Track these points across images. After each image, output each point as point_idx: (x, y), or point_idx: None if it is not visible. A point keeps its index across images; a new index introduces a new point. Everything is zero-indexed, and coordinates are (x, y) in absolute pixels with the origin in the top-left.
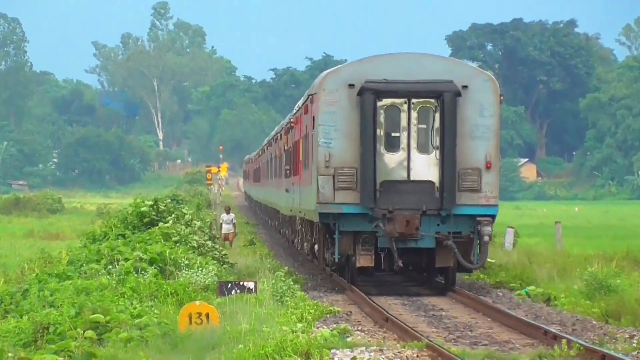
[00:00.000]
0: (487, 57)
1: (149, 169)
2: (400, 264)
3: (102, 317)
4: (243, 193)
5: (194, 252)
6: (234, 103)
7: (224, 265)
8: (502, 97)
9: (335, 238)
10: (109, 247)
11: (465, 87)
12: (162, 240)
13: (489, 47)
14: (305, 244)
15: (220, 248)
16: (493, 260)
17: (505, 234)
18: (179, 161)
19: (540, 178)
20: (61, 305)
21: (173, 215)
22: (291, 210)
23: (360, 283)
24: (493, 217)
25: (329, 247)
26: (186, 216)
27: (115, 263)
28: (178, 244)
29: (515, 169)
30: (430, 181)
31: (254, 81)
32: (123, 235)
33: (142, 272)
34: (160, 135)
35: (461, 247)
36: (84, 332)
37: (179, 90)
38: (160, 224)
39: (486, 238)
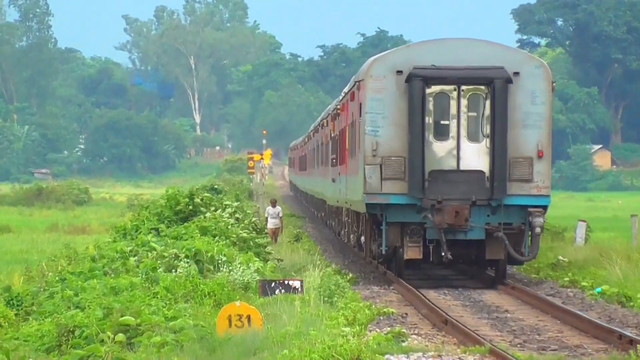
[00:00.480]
0: (556, 33)
1: (185, 155)
2: (450, 257)
3: (133, 319)
4: (288, 182)
5: (233, 247)
6: (278, 83)
7: (268, 262)
8: (554, 84)
9: (382, 229)
10: (139, 242)
11: (516, 73)
12: (198, 235)
13: (559, 22)
14: (351, 235)
15: (265, 243)
16: (564, 258)
17: (576, 228)
18: (217, 147)
19: (615, 166)
20: (88, 306)
21: (212, 208)
22: (337, 200)
23: (407, 276)
24: (545, 207)
25: (375, 239)
26: (228, 208)
27: (147, 259)
28: (217, 239)
29: (588, 157)
30: (480, 171)
31: (300, 59)
32: (157, 230)
33: (176, 270)
34: (197, 118)
35: (512, 239)
36: (113, 335)
37: (218, 69)
38: (197, 218)
39: (538, 229)
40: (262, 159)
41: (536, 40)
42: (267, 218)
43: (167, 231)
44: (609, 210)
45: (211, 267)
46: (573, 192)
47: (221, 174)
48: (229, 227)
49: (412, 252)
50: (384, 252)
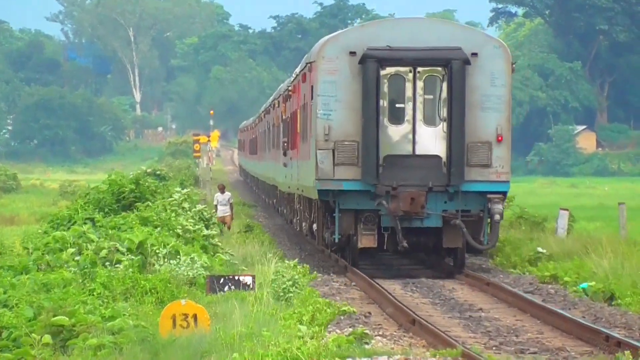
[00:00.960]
0: (535, 2)
1: (124, 138)
2: (405, 245)
3: (67, 319)
4: (238, 167)
5: (178, 239)
6: (227, 58)
7: (217, 256)
8: (514, 65)
9: (335, 217)
10: (74, 233)
11: (474, 54)
12: (139, 225)
13: None
14: (304, 223)
15: (213, 234)
16: (543, 250)
17: (557, 218)
18: (160, 129)
19: (600, 149)
20: (16, 304)
21: (159, 196)
22: (289, 186)
23: (362, 265)
24: (504, 194)
25: (328, 227)
26: (175, 195)
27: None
28: (158, 230)
29: (571, 139)
30: (437, 155)
31: (251, 31)
32: (92, 220)
33: (117, 264)
34: (138, 97)
35: (470, 227)
36: (41, 337)
37: (160, 42)
38: (144, 205)
39: (497, 217)
40: (209, 141)
41: (512, 9)
42: (216, 206)
43: (103, 221)
44: (595, 198)
45: (154, 262)
46: (555, 177)
47: (164, 158)
48: (172, 217)
49: (366, 240)
50: (336, 241)
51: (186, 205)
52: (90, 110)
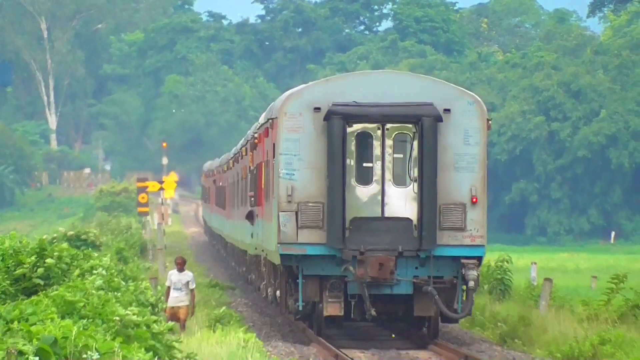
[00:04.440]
0: None
1: (32, 183)
2: (373, 313)
3: None
4: (203, 226)
5: (115, 337)
6: (189, 63)
7: None
8: (489, 122)
9: (298, 283)
10: None
11: (447, 110)
12: (56, 317)
13: None
14: (269, 289)
15: (165, 329)
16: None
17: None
18: (87, 170)
19: None
20: None
21: (77, 271)
22: (256, 248)
23: (329, 334)
24: (479, 259)
25: (292, 294)
26: (99, 270)
27: None
28: (85, 322)
29: None
30: (408, 218)
31: (227, 22)
32: None
33: None
34: (53, 122)
35: (443, 294)
36: None
37: (86, 39)
38: (51, 288)
39: (472, 283)
40: (161, 189)
41: None
42: (168, 288)
43: (2, 309)
44: None
45: None
46: None
47: (93, 214)
48: (104, 303)
49: (332, 308)
50: (300, 309)
51: (119, 285)
52: None
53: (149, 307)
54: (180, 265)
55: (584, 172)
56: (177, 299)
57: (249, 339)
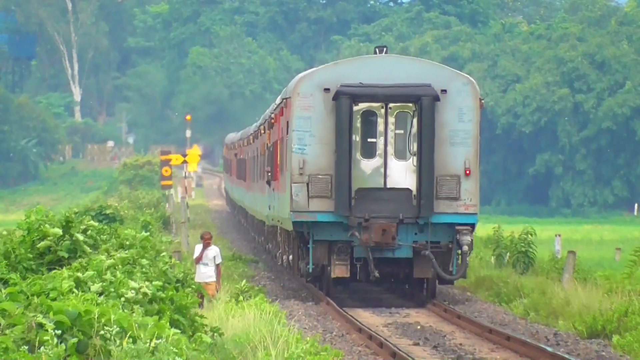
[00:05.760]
0: None
1: (55, 157)
2: (377, 275)
3: None
4: (225, 198)
5: (135, 310)
6: (213, 35)
7: (196, 336)
8: (482, 102)
9: (309, 247)
10: None
11: (444, 91)
12: (75, 290)
13: None
14: (284, 256)
15: (190, 302)
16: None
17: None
18: (110, 143)
19: None
20: None
21: (103, 246)
22: (272, 219)
23: (336, 294)
24: (473, 225)
25: (303, 257)
26: (127, 248)
27: None
28: (102, 297)
29: None
30: (408, 189)
31: None
32: (5, 282)
33: (40, 348)
34: (77, 94)
35: (440, 258)
36: None
37: (110, 11)
38: (74, 263)
39: (465, 247)
40: (185, 162)
41: None
42: (195, 263)
43: (22, 284)
44: None
45: (98, 345)
46: None
47: (117, 187)
48: (123, 278)
49: (339, 270)
50: (310, 271)
51: (144, 261)
52: (5, 114)
53: (175, 282)
54: (207, 240)
55: (608, 144)
56: (205, 274)
57: (272, 310)
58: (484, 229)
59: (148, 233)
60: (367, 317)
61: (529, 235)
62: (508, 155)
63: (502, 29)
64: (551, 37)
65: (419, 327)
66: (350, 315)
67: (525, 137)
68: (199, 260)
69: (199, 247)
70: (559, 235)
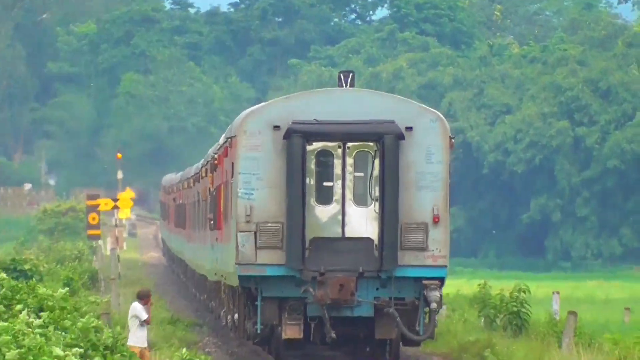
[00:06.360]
0: None
1: None
2: (334, 336)
3: None
4: (162, 248)
5: None
6: (150, 59)
7: None
8: (452, 140)
9: (257, 305)
10: None
11: (409, 128)
12: None
13: None
14: (228, 316)
15: None
16: None
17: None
18: (28, 186)
19: None
20: None
21: (17, 307)
22: (215, 273)
23: (288, 358)
24: (442, 280)
25: (250, 317)
26: (48, 304)
27: None
28: None
29: None
30: (369, 238)
31: (194, 11)
32: None
33: None
34: None
35: (405, 316)
36: None
37: (29, 30)
38: None
39: (434, 305)
40: (115, 208)
41: None
42: (132, 325)
43: None
44: None
45: None
46: None
47: (34, 238)
48: (44, 344)
49: (291, 330)
50: (259, 332)
51: (67, 322)
52: None
53: (105, 350)
54: (145, 298)
55: (615, 186)
56: (141, 337)
57: None
58: (468, 286)
59: (66, 290)
60: None
61: (522, 293)
62: (497, 199)
63: (490, 52)
64: (547, 60)
65: None
66: None
67: (518, 177)
68: (149, 321)
69: (134, 306)
70: (557, 293)
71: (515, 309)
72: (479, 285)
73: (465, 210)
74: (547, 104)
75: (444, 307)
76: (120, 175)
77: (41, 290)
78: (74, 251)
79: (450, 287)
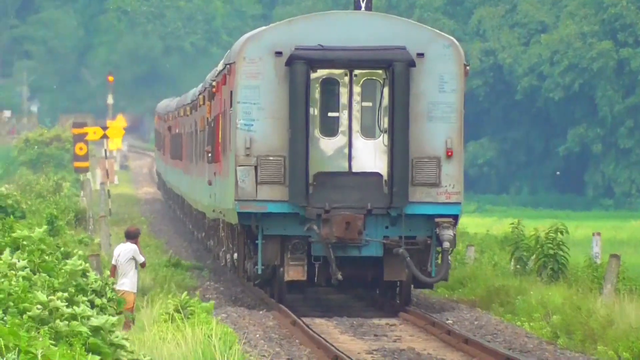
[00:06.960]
0: None
1: None
2: (340, 277)
3: None
4: (157, 183)
5: (37, 333)
6: None
7: None
8: (467, 67)
9: (258, 244)
10: None
11: (420, 55)
12: None
13: None
14: (227, 255)
15: (109, 324)
16: None
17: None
18: (7, 113)
19: None
20: None
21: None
22: (214, 210)
23: (290, 301)
24: (455, 217)
25: (250, 256)
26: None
27: None
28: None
29: None
30: (377, 173)
31: None
32: None
33: None
34: None
35: (416, 256)
36: None
37: None
38: None
39: (447, 244)
40: (105, 137)
41: None
42: (114, 267)
43: None
44: None
45: None
46: None
47: (15, 170)
48: (23, 289)
49: (294, 272)
50: (259, 273)
51: (50, 263)
52: None
53: (92, 295)
54: (133, 235)
55: None
56: (136, 282)
57: (221, 333)
58: (499, 226)
59: (44, 228)
60: (345, 341)
61: (559, 234)
62: (532, 129)
63: None
64: None
65: (413, 355)
66: (324, 339)
67: (554, 105)
68: (145, 264)
69: (118, 248)
70: (599, 234)
71: (551, 251)
72: (511, 224)
73: (495, 142)
74: (588, 22)
75: (471, 248)
76: (110, 100)
77: (16, 231)
78: (50, 182)
79: (480, 226)
